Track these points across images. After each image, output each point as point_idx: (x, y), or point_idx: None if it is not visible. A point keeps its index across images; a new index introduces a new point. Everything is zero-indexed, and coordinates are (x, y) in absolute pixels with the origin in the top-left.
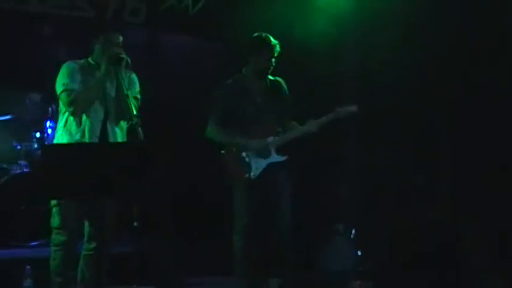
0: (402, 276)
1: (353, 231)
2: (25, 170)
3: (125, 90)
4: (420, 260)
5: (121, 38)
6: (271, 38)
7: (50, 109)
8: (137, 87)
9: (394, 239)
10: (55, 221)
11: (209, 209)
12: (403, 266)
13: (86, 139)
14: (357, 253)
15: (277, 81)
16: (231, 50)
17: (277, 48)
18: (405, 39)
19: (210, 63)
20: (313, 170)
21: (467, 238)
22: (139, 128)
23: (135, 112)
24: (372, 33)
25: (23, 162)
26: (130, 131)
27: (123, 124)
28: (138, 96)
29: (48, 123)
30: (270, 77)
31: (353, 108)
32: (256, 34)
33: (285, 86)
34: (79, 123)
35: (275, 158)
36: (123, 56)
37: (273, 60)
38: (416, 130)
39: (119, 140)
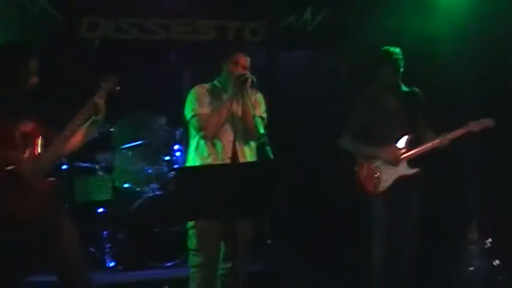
0: None
1: (489, 240)
2: (157, 192)
3: (251, 109)
4: None
5: (248, 59)
6: (395, 50)
7: (177, 133)
8: (263, 107)
9: None
10: (192, 242)
11: (344, 223)
12: None
13: (219, 161)
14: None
15: (413, 91)
16: (351, 64)
17: (400, 59)
18: None
19: (330, 78)
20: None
21: None
22: (268, 147)
23: (262, 131)
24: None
25: (154, 185)
26: (259, 150)
27: (252, 143)
28: (264, 115)
29: (176, 147)
30: (405, 88)
31: (488, 122)
32: (385, 48)
33: (422, 96)
34: (211, 146)
35: (406, 170)
36: (249, 76)
37: (401, 70)
38: None
39: (249, 159)
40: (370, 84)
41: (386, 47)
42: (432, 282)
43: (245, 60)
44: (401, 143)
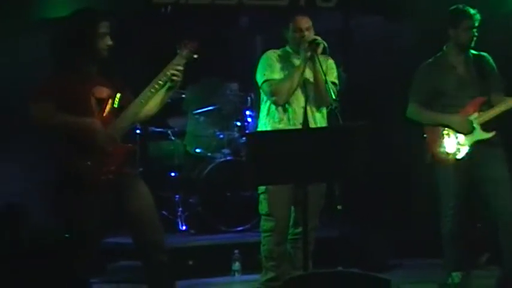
0: None
1: None
2: (228, 158)
3: (323, 75)
4: None
5: (310, 22)
6: (469, 8)
7: (248, 98)
8: (335, 73)
9: None
10: (263, 207)
11: (413, 190)
12: None
13: (289, 126)
14: None
15: (482, 55)
16: (424, 29)
17: (477, 17)
18: None
19: (403, 43)
20: None
21: None
22: (339, 113)
23: (333, 97)
24: None
25: (226, 150)
26: (331, 116)
27: (323, 109)
28: (336, 81)
29: (247, 112)
30: (474, 52)
31: None
32: (454, 6)
33: (491, 61)
34: (282, 112)
35: (481, 135)
36: (320, 41)
37: (474, 31)
38: None
39: (320, 125)
40: (437, 50)
41: (465, 5)
42: None
43: (307, 21)
44: (473, 105)
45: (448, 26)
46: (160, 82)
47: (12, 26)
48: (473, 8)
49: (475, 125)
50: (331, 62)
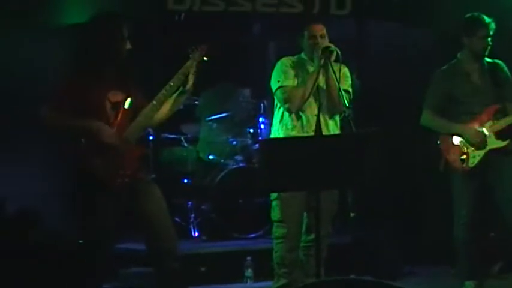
0: None
1: None
2: (241, 164)
3: (336, 83)
4: None
5: (324, 30)
6: (485, 17)
7: (261, 105)
8: (349, 81)
9: None
10: (275, 214)
11: (426, 197)
12: None
13: (302, 134)
14: None
15: (496, 63)
16: (439, 35)
17: (492, 26)
18: None
19: (418, 50)
20: None
21: None
22: (351, 121)
23: (347, 104)
24: None
25: (239, 157)
26: (344, 124)
27: (336, 117)
28: (350, 89)
29: (260, 119)
30: (488, 60)
31: None
32: (469, 14)
33: (506, 69)
34: (295, 119)
35: (495, 143)
36: (333, 48)
37: (489, 40)
38: None
39: (333, 132)
40: (451, 57)
41: (480, 13)
42: None
43: (322, 29)
44: (487, 113)
45: (462, 34)
46: (173, 86)
47: (27, 32)
48: (488, 16)
49: (487, 134)
50: (345, 70)
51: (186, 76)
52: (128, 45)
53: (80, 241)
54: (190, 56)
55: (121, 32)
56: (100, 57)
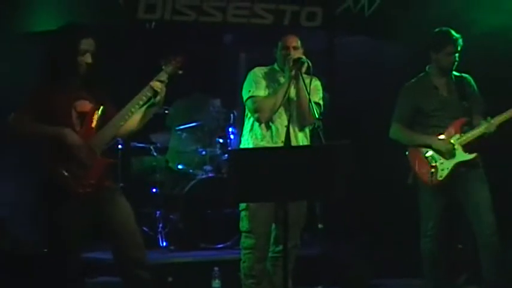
0: None
1: None
2: (210, 174)
3: (307, 94)
4: None
5: (298, 41)
6: (453, 32)
7: (231, 115)
8: (320, 94)
9: None
10: (244, 224)
11: (394, 210)
12: None
13: (272, 144)
14: None
15: (464, 77)
16: (409, 49)
17: (460, 42)
18: None
19: (388, 63)
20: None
21: None
22: (321, 132)
23: (317, 116)
24: None
25: (208, 167)
26: (313, 135)
27: (306, 129)
28: (321, 102)
29: (230, 129)
30: (456, 73)
31: None
32: (437, 29)
33: (473, 83)
34: (265, 129)
35: (462, 156)
36: (305, 60)
37: (456, 55)
38: None
39: (302, 144)
40: (421, 71)
41: (448, 29)
42: None
43: (295, 40)
44: (455, 127)
45: (430, 49)
46: (143, 97)
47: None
48: (456, 30)
49: (456, 147)
50: (317, 83)
51: (156, 88)
52: (88, 59)
53: (45, 250)
54: (163, 67)
55: (80, 45)
56: (61, 68)
